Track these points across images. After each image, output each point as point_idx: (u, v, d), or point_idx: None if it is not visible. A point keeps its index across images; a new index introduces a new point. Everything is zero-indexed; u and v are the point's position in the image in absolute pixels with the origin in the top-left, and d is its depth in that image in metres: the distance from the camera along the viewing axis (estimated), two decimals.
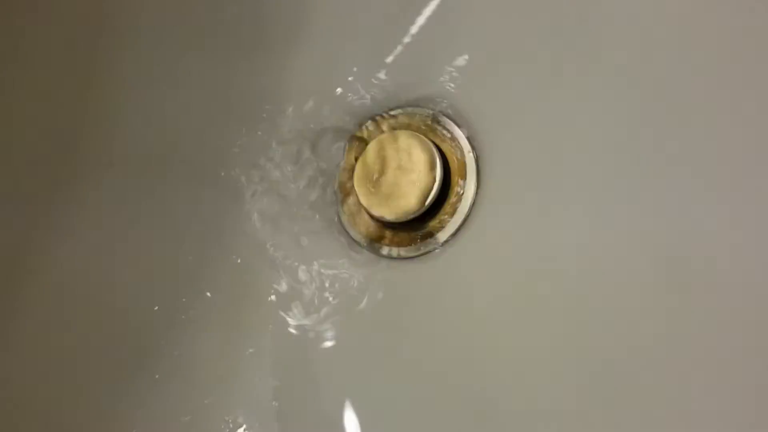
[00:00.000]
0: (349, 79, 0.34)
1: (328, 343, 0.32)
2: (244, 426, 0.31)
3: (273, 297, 0.32)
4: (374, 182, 0.34)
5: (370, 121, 0.35)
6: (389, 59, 0.35)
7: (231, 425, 0.31)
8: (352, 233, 0.34)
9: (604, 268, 0.29)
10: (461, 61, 0.34)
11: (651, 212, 0.29)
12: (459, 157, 0.34)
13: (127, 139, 0.33)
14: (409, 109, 0.35)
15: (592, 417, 0.28)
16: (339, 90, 0.35)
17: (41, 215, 0.31)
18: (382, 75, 0.34)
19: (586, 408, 0.28)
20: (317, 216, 0.34)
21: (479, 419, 0.29)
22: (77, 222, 0.31)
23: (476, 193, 0.33)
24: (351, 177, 0.35)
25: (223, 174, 0.34)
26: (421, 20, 0.34)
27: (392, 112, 0.35)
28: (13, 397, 0.28)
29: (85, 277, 0.31)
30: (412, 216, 0.33)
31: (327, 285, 0.33)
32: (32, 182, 0.31)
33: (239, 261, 0.33)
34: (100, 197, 0.32)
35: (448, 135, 0.34)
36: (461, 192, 0.34)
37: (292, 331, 0.32)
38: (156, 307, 0.31)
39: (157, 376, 0.31)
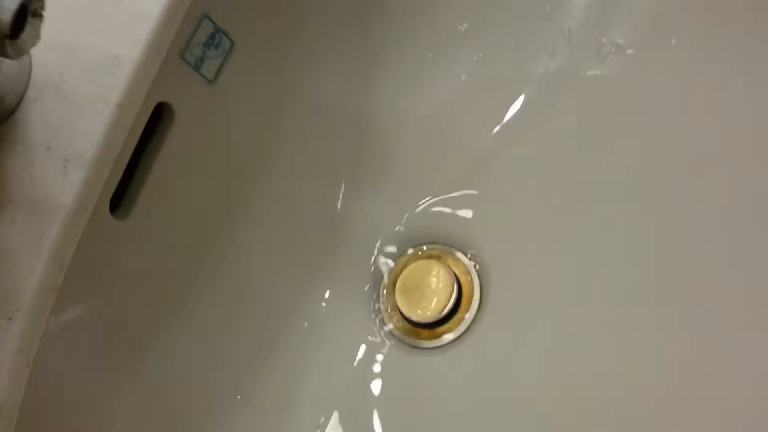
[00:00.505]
0: (402, 219, 0.50)
1: (367, 395, 0.46)
2: None
3: (328, 356, 0.47)
4: (409, 293, 0.48)
5: (412, 249, 0.50)
6: (432, 208, 0.50)
7: None
8: (388, 326, 0.49)
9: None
10: (476, 217, 0.49)
11: None
12: (469, 283, 0.49)
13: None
14: (440, 246, 0.50)
15: None
16: (397, 226, 0.50)
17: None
18: (423, 219, 0.50)
19: None
20: (366, 309, 0.49)
21: None
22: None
23: (478, 310, 0.47)
24: (394, 287, 0.49)
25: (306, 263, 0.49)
26: (448, 187, 0.49)
27: (427, 246, 0.50)
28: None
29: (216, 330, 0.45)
30: (431, 321, 0.48)
31: (367, 356, 0.47)
32: None
33: (306, 325, 0.47)
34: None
35: (464, 268, 0.49)
36: (468, 309, 0.48)
37: (340, 381, 0.46)
38: (251, 349, 0.45)
39: (238, 397, 0.45)
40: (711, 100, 0.43)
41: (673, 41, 0.43)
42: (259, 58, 0.45)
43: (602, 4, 0.46)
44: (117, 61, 0.36)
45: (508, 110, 0.48)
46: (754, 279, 0.39)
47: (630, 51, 0.44)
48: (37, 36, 0.28)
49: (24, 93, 0.37)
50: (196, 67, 0.41)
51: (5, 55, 0.26)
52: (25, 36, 0.27)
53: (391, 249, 0.50)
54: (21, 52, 0.27)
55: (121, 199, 0.40)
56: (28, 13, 0.27)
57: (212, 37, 0.41)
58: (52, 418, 0.38)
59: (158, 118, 0.41)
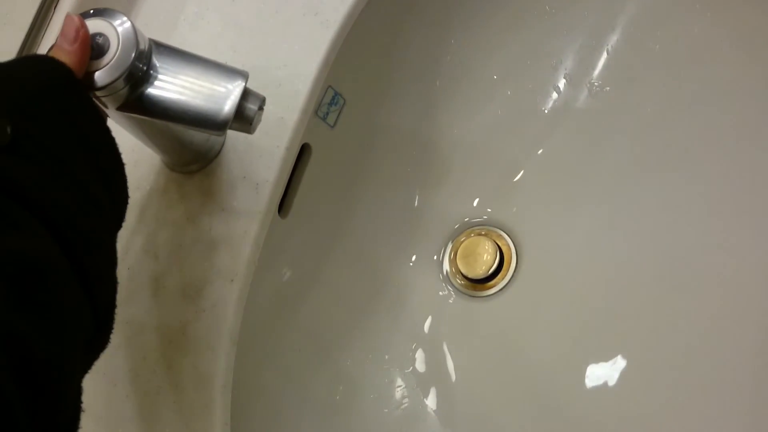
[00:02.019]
0: (460, 209, 0.72)
1: (440, 327, 0.68)
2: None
3: (414, 302, 0.69)
4: (467, 257, 0.70)
5: (468, 229, 0.73)
6: (478, 202, 0.72)
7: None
8: (453, 282, 0.71)
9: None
10: (510, 207, 0.71)
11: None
12: (509, 251, 0.71)
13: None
14: (488, 227, 0.72)
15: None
16: (456, 214, 0.73)
17: None
18: (473, 209, 0.72)
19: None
20: (438, 269, 0.71)
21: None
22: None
23: (515, 270, 0.69)
24: (456, 255, 0.71)
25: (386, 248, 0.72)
26: (497, 186, 0.71)
27: (478, 227, 0.72)
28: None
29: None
30: (482, 277, 0.70)
31: (439, 301, 0.69)
32: None
33: (399, 280, 0.70)
34: None
35: (504, 241, 0.71)
36: (508, 269, 0.70)
37: (422, 317, 0.69)
38: (364, 293, 0.68)
39: (354, 329, 0.68)
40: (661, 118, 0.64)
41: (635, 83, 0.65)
42: (361, 109, 0.67)
43: (590, 57, 0.67)
44: (283, 122, 0.58)
45: (530, 131, 0.70)
46: None
47: (607, 89, 0.66)
48: (260, 120, 0.50)
49: (223, 143, 0.60)
50: (324, 119, 0.64)
51: (249, 132, 0.49)
52: (255, 122, 0.49)
53: (454, 229, 0.72)
54: (254, 130, 0.50)
55: (282, 204, 0.63)
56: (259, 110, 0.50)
57: (333, 98, 0.64)
58: (253, 331, 0.61)
59: (302, 152, 0.64)
